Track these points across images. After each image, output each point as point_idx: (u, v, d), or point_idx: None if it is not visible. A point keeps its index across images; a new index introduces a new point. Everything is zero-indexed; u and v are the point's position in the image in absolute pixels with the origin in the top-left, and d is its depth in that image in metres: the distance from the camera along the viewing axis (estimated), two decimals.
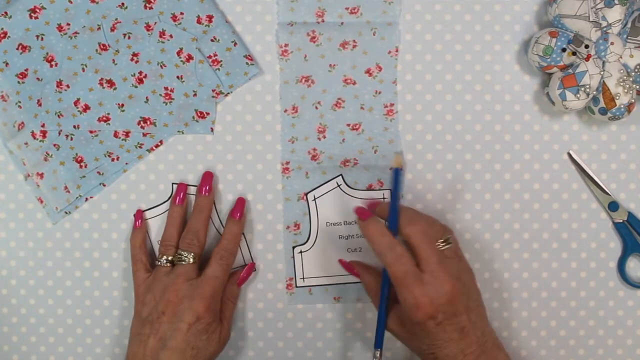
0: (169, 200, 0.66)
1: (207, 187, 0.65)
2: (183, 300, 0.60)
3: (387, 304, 0.60)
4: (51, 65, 0.65)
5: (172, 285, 0.60)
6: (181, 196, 0.65)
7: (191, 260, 0.62)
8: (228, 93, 0.66)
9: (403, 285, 0.56)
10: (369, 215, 0.59)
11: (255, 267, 0.66)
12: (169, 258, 0.62)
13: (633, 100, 0.61)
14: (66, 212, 0.66)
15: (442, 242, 0.58)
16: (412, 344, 0.59)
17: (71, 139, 0.65)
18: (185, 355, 0.59)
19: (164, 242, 0.63)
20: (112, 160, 0.66)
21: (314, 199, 0.66)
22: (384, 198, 0.66)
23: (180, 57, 0.65)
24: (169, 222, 0.64)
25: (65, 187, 0.65)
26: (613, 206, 0.66)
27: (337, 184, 0.66)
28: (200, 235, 0.63)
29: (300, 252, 0.66)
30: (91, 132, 0.65)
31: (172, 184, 0.66)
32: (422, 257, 0.56)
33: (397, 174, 0.61)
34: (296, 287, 0.67)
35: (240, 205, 0.65)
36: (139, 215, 0.66)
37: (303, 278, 0.66)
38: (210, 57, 0.65)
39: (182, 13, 0.65)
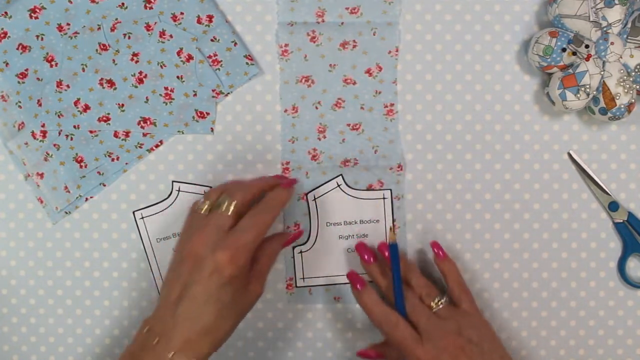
0: (168, 198, 0.66)
1: (289, 183, 0.63)
2: (206, 248, 0.55)
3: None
4: (51, 65, 0.65)
5: (200, 231, 0.57)
6: (284, 182, 0.63)
7: (231, 208, 0.57)
8: (228, 93, 0.66)
9: (406, 350, 0.58)
10: (363, 285, 0.62)
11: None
12: (210, 202, 0.59)
13: (633, 100, 0.61)
14: (66, 212, 0.66)
15: (436, 303, 0.62)
16: None
17: (71, 139, 0.65)
18: (206, 308, 0.55)
19: (220, 185, 0.61)
20: (112, 160, 0.66)
21: (314, 199, 0.66)
22: (384, 198, 0.66)
23: (180, 57, 0.65)
24: (249, 180, 0.61)
25: (65, 187, 0.65)
26: (613, 206, 0.66)
27: (337, 183, 0.66)
28: (251, 190, 0.59)
29: (301, 252, 0.66)
30: (91, 132, 0.65)
31: (173, 182, 0.66)
32: (415, 324, 0.60)
33: (393, 249, 0.62)
34: (296, 287, 0.67)
35: (291, 181, 0.64)
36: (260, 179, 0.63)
37: (303, 278, 0.66)
38: (210, 57, 0.65)
39: (182, 13, 0.65)
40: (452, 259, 0.64)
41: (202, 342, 0.55)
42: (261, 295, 0.59)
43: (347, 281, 0.66)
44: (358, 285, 0.62)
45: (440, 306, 0.61)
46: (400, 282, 0.61)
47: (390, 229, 0.64)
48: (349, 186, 0.66)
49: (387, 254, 0.64)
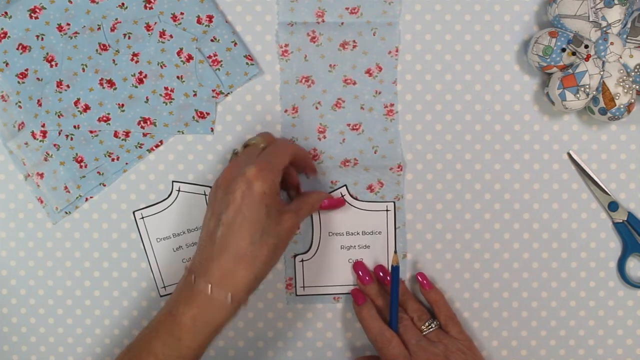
0: (168, 198, 0.66)
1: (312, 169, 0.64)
2: (236, 171, 0.56)
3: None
4: (51, 65, 0.65)
5: (231, 163, 0.58)
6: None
7: (261, 144, 0.59)
8: (228, 93, 0.66)
9: None
10: (364, 300, 0.64)
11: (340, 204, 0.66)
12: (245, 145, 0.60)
13: (633, 100, 0.61)
14: (66, 212, 0.66)
15: (427, 326, 0.63)
16: None
17: (71, 139, 0.65)
18: (239, 232, 0.54)
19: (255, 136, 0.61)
20: (112, 160, 0.66)
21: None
22: (387, 210, 0.66)
23: (180, 57, 0.65)
24: (287, 145, 0.61)
25: (65, 187, 0.66)
26: (613, 206, 0.66)
27: (341, 194, 0.66)
28: (281, 144, 0.60)
29: (302, 260, 0.66)
30: (91, 132, 0.65)
31: (173, 182, 0.66)
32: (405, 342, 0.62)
33: (395, 271, 0.63)
34: (296, 295, 0.66)
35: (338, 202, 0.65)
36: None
37: (303, 287, 0.66)
38: (210, 57, 0.65)
39: (182, 13, 0.65)
40: (439, 290, 0.66)
41: (238, 272, 0.54)
42: (296, 232, 0.58)
43: (347, 292, 0.66)
44: (359, 301, 0.64)
45: (431, 330, 0.63)
46: (397, 302, 0.63)
47: (395, 254, 0.65)
48: (352, 197, 0.66)
49: (381, 274, 0.65)
